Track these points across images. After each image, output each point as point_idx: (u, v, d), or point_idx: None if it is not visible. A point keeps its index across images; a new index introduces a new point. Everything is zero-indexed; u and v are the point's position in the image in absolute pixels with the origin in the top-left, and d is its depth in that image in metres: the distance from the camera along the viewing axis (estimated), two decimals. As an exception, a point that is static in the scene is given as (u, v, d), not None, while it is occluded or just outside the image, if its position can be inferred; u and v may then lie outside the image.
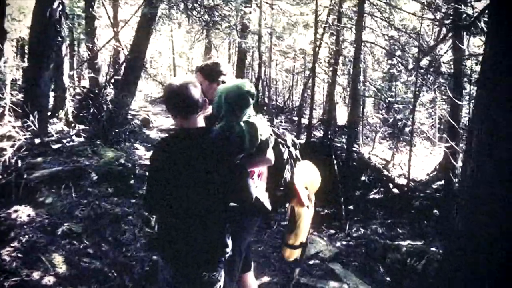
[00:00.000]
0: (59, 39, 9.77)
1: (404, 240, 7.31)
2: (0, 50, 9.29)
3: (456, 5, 8.96)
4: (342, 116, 18.96)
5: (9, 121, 9.16)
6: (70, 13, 13.22)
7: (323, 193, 3.81)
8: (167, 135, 3.15)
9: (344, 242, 7.28)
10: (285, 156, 3.04)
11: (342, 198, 8.88)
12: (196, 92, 2.43)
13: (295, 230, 3.23)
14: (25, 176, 4.88)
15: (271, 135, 2.91)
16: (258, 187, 2.91)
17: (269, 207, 2.83)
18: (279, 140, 3.07)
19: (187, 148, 2.42)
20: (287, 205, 3.20)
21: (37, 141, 7.09)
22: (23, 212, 4.42)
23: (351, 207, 9.85)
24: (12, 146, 5.70)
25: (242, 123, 2.71)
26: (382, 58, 16.72)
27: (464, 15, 9.10)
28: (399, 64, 14.18)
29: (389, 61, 15.76)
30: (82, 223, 4.57)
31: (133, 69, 9.11)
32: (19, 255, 3.88)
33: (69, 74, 12.51)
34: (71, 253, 4.14)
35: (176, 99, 2.44)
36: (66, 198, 4.88)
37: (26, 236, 4.14)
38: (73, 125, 10.81)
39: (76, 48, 17.60)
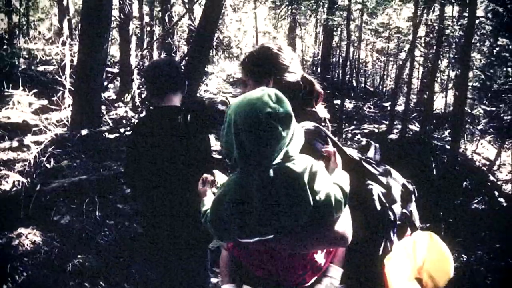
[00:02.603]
0: (122, 16, 8.97)
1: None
2: (59, 29, 8.66)
3: None
4: (438, 105, 16.86)
5: (70, 105, 8.50)
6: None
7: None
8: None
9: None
10: (384, 221, 1.65)
11: (441, 213, 7.30)
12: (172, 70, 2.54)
13: None
14: (38, 187, 3.92)
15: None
16: (327, 274, 1.62)
17: None
18: (374, 191, 1.67)
19: (160, 126, 2.45)
20: None
21: (84, 132, 6.24)
22: (27, 238, 3.47)
23: (450, 219, 8.20)
24: (39, 143, 4.79)
25: (271, 172, 1.37)
26: (488, 37, 14.41)
27: None
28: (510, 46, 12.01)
29: (498, 42, 13.54)
30: (102, 254, 3.54)
31: (201, 48, 8.03)
32: (10, 301, 2.92)
33: (141, 54, 11.80)
34: (79, 301, 3.13)
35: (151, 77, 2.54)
36: (87, 217, 3.88)
37: (25, 274, 3.17)
38: (139, 109, 10.09)
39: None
